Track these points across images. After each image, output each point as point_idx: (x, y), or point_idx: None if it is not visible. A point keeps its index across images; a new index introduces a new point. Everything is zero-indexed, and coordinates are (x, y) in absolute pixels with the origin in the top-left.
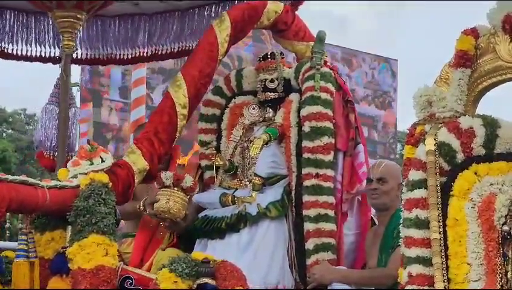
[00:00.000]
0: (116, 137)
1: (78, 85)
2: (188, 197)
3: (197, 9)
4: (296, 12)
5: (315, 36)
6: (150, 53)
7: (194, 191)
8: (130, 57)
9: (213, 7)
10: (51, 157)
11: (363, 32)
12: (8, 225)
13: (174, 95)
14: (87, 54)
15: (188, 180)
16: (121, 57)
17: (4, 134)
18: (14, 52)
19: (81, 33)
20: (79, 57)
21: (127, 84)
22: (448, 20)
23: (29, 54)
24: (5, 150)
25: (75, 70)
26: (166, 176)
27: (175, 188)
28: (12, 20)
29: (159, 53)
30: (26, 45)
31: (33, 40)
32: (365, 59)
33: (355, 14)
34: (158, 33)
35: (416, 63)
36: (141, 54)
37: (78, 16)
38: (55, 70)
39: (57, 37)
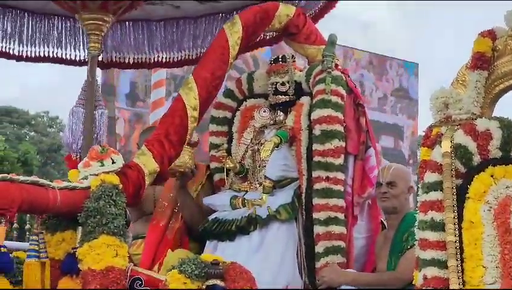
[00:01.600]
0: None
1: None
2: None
3: (239, 11)
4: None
5: (326, 39)
6: (195, 56)
7: (197, 146)
8: (176, 60)
9: None
10: (78, 159)
11: (389, 37)
12: (28, 226)
13: (185, 98)
14: (134, 59)
15: (195, 136)
16: (168, 60)
17: (27, 136)
18: (50, 55)
19: (128, 37)
20: (126, 61)
21: (137, 91)
22: (478, 25)
23: (64, 56)
24: (27, 152)
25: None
26: None
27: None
28: (45, 23)
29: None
30: (58, 48)
31: (68, 43)
32: (392, 65)
33: (381, 19)
34: (203, 36)
35: (444, 67)
36: (187, 57)
37: (105, 18)
38: (78, 73)
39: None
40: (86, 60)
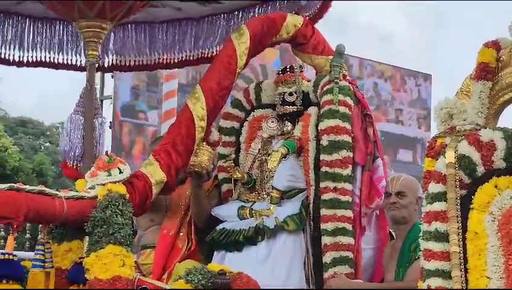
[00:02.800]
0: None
1: (111, 98)
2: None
3: (241, 12)
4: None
5: (334, 50)
6: (196, 57)
7: (218, 146)
8: (176, 61)
9: (256, 9)
10: (75, 167)
11: (407, 47)
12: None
13: (192, 107)
14: (135, 61)
15: (215, 135)
16: (168, 61)
17: (42, 147)
18: (52, 61)
19: (130, 39)
20: (127, 64)
21: (138, 102)
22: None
23: (64, 62)
24: (42, 163)
25: (109, 83)
26: None
27: (204, 143)
28: (44, 28)
29: (205, 56)
30: (60, 54)
31: (69, 49)
32: (409, 76)
33: (399, 30)
34: (204, 36)
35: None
36: (188, 58)
37: (103, 25)
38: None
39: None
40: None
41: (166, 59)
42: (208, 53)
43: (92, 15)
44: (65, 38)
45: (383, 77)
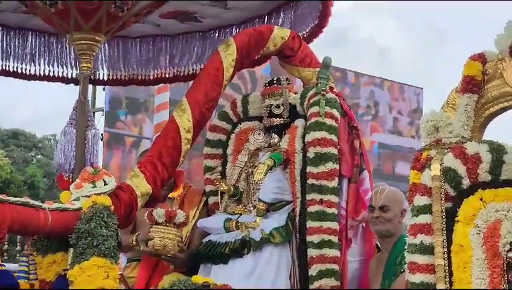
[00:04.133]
0: None
1: (103, 110)
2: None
3: (218, 31)
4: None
5: (321, 62)
6: (172, 74)
7: (187, 225)
8: (152, 78)
9: (233, 29)
10: (70, 179)
11: (403, 61)
12: (18, 247)
13: (178, 120)
14: (108, 75)
15: (181, 216)
16: (143, 77)
17: (34, 159)
18: (37, 73)
19: (103, 54)
20: (101, 78)
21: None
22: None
23: (51, 74)
24: (34, 175)
25: (100, 96)
26: (159, 214)
27: (168, 225)
28: (34, 41)
29: (181, 74)
30: (48, 65)
31: (55, 61)
32: (404, 88)
33: (396, 44)
34: (180, 54)
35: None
36: (163, 75)
37: (97, 38)
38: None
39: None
40: (76, 78)
41: (142, 75)
42: (184, 71)
43: (87, 28)
44: (59, 52)
45: (380, 86)
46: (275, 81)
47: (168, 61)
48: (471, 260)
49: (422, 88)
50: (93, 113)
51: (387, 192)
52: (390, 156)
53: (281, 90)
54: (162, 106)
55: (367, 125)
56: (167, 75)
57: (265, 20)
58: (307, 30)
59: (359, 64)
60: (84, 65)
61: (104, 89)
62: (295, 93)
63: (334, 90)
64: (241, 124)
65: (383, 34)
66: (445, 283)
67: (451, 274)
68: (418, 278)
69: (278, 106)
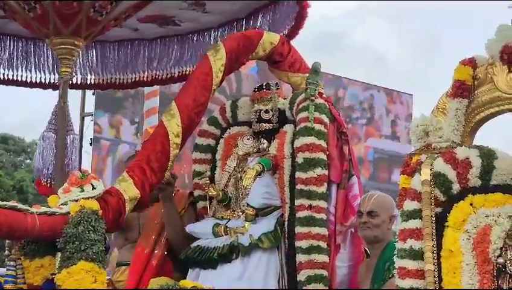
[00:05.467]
0: None
1: (92, 114)
2: None
3: (196, 34)
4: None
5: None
6: (150, 78)
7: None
8: (130, 81)
9: (212, 32)
10: (49, 184)
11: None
12: (7, 252)
13: (167, 124)
14: (87, 79)
15: None
16: (121, 81)
17: (23, 164)
18: (14, 78)
19: (81, 58)
20: (78, 82)
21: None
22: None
23: (29, 80)
24: (23, 180)
25: (90, 101)
26: None
27: None
28: (12, 46)
29: (159, 78)
30: (26, 71)
31: (33, 66)
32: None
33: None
34: (158, 58)
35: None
36: (141, 79)
37: (76, 42)
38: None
39: (56, 63)
40: (55, 83)
41: (119, 79)
42: (162, 75)
43: (67, 32)
44: (37, 57)
45: (376, 88)
46: (264, 86)
47: (146, 64)
48: (461, 265)
49: (412, 94)
50: (83, 117)
51: (376, 198)
52: (386, 162)
53: (270, 96)
54: (151, 111)
55: (362, 130)
56: (145, 79)
57: (244, 23)
58: (284, 32)
59: (352, 69)
60: (64, 70)
61: (93, 94)
62: (284, 99)
63: (323, 95)
64: (230, 129)
65: (378, 40)
66: (435, 289)
67: (441, 280)
68: (407, 283)
69: (267, 111)
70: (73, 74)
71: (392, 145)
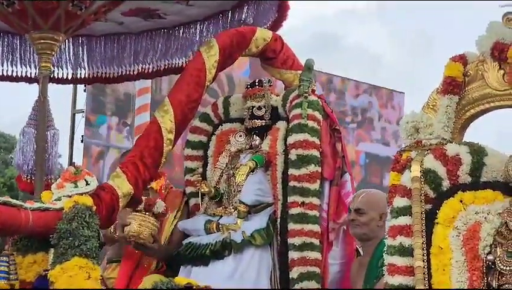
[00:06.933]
0: None
1: (83, 111)
2: (160, 222)
3: (182, 27)
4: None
5: (303, 64)
6: (136, 72)
7: (166, 217)
8: (116, 75)
9: (197, 25)
10: (29, 180)
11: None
12: None
13: (160, 120)
14: (73, 74)
15: (160, 206)
16: (107, 75)
17: (13, 161)
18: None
19: (67, 52)
20: (64, 76)
21: None
22: None
23: (14, 74)
24: (13, 177)
25: (81, 96)
26: None
27: (146, 213)
28: None
29: (145, 72)
30: (11, 65)
31: (18, 61)
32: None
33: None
34: (144, 51)
35: None
36: (128, 73)
37: (55, 37)
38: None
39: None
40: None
41: (105, 73)
42: (148, 68)
43: (46, 27)
44: (22, 51)
45: (368, 91)
46: (256, 83)
47: (132, 58)
48: (450, 262)
49: (403, 93)
50: (74, 114)
51: (364, 195)
52: (378, 166)
53: (263, 92)
54: (143, 108)
55: (353, 134)
56: (131, 73)
57: (229, 16)
58: (268, 25)
59: (348, 70)
60: (44, 64)
61: (85, 90)
62: (277, 96)
63: (316, 92)
64: (222, 125)
65: (373, 41)
66: (424, 285)
67: (430, 276)
68: (396, 280)
69: (259, 108)
70: (54, 69)
71: (383, 149)
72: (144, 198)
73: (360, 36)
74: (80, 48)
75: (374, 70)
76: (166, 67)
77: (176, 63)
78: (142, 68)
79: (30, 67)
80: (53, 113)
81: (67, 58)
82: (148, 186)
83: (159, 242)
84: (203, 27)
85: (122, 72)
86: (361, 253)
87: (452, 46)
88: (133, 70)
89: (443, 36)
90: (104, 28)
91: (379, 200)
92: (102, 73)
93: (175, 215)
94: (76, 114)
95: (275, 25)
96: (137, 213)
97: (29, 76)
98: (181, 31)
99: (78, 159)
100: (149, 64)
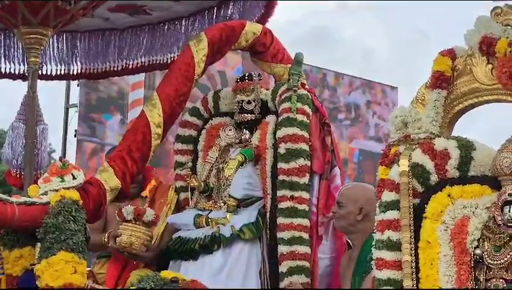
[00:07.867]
0: None
1: (77, 106)
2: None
3: (167, 24)
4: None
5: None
6: (120, 67)
7: (156, 224)
8: (100, 71)
9: (183, 21)
10: (18, 175)
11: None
12: None
13: (148, 114)
14: (57, 70)
15: (149, 214)
16: (91, 71)
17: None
18: None
19: (51, 48)
20: (49, 72)
21: None
22: None
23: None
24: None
25: (75, 91)
26: (127, 211)
27: (137, 223)
28: None
29: (130, 67)
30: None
31: (2, 57)
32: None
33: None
34: (128, 47)
35: None
36: (112, 68)
37: (44, 32)
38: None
39: (26, 53)
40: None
41: (89, 69)
42: (132, 64)
43: (35, 22)
44: (7, 47)
45: (361, 88)
46: (246, 77)
47: (116, 54)
48: (438, 256)
49: (397, 87)
50: (67, 109)
51: (346, 189)
52: (372, 163)
53: (253, 86)
54: (136, 103)
55: (346, 131)
56: (115, 68)
57: (215, 11)
58: (254, 20)
59: (342, 65)
60: (33, 59)
61: (78, 85)
62: (267, 90)
63: (306, 86)
64: (212, 119)
65: (367, 34)
66: (412, 280)
67: (418, 271)
68: (384, 274)
69: (249, 102)
70: (43, 64)
71: (378, 147)
72: (132, 208)
73: (357, 30)
74: (64, 43)
75: (367, 64)
76: (149, 63)
77: (159, 59)
78: (126, 64)
79: (14, 63)
80: (48, 107)
81: (51, 55)
82: (141, 195)
83: (152, 250)
84: (188, 23)
85: (105, 68)
86: (352, 246)
87: (447, 40)
88: (117, 66)
89: (438, 31)
90: (88, 24)
91: (359, 194)
92: (86, 69)
93: (166, 211)
94: (69, 108)
95: (261, 22)
96: (128, 223)
97: (13, 72)
98: (166, 27)
99: (71, 155)
100: (133, 60)
